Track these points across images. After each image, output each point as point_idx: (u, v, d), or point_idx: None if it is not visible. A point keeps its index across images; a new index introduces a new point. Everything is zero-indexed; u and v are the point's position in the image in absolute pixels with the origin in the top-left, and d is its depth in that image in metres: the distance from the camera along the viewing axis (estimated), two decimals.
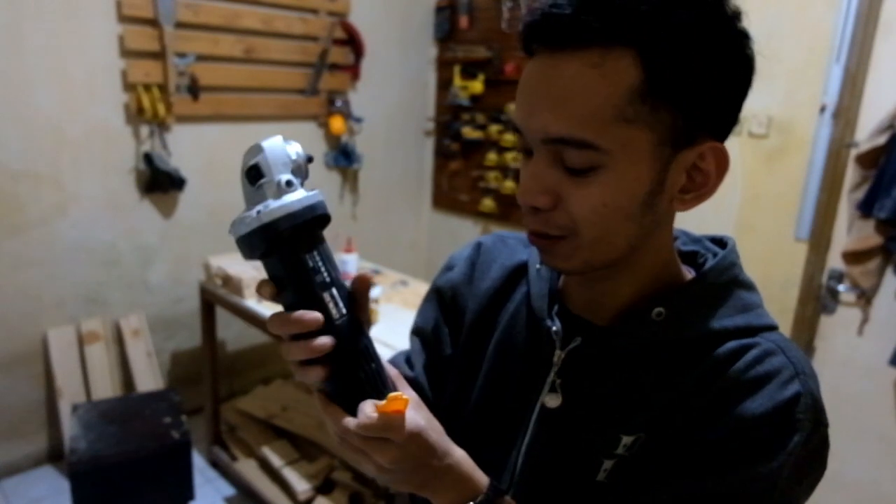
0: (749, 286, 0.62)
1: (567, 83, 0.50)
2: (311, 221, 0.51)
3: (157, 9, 2.42)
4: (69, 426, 2.11)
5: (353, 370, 0.55)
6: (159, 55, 2.49)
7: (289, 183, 0.50)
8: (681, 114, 0.51)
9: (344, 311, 0.54)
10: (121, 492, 2.01)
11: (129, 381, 2.61)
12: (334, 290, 0.54)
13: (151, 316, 2.74)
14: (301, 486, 2.25)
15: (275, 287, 0.53)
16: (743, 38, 0.52)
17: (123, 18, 2.40)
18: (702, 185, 0.55)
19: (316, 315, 0.51)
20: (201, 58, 2.60)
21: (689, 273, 0.64)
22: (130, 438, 2.04)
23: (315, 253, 0.52)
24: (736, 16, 0.52)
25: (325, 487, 2.31)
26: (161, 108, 2.48)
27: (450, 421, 0.72)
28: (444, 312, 0.77)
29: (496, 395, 0.68)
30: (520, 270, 0.73)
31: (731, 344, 0.57)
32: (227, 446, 2.56)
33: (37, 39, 2.25)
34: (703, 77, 0.50)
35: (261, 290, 0.53)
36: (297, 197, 0.50)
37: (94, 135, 2.44)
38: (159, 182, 2.57)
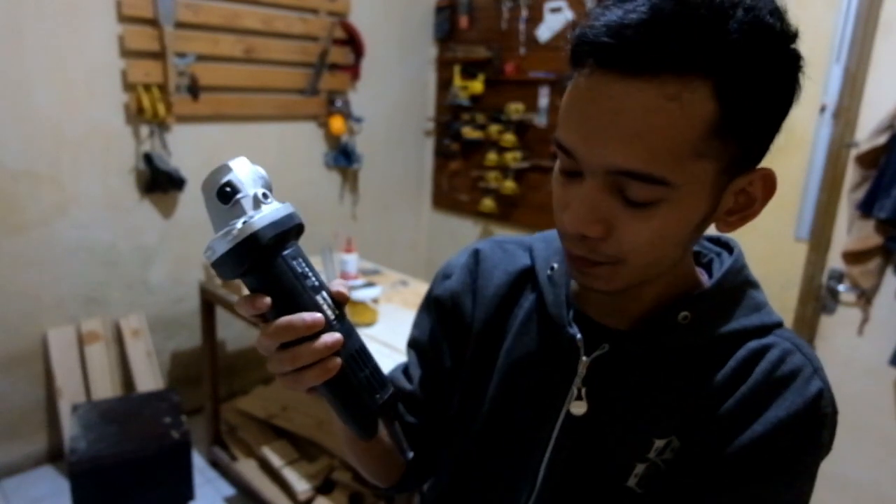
0: (757, 285, 0.63)
1: (642, 115, 0.46)
2: (294, 229, 0.52)
3: (157, 9, 2.42)
4: (69, 426, 2.11)
5: (354, 372, 0.55)
6: (159, 55, 2.49)
7: (265, 195, 0.51)
8: (747, 146, 0.51)
9: (336, 311, 0.54)
10: (121, 492, 2.01)
11: (129, 381, 2.61)
12: (324, 293, 0.54)
13: (151, 316, 2.74)
14: (301, 486, 2.25)
15: (268, 299, 0.51)
16: (798, 60, 0.50)
17: (123, 18, 2.40)
18: (746, 206, 0.55)
19: (318, 315, 0.51)
20: (201, 58, 2.60)
21: (701, 274, 0.64)
22: (130, 438, 2.04)
23: (300, 259, 0.53)
24: (795, 37, 0.49)
25: (325, 487, 2.31)
26: (161, 108, 2.48)
27: (458, 432, 0.71)
28: (443, 323, 0.75)
29: (510, 404, 0.67)
30: (524, 276, 0.71)
31: (752, 344, 0.58)
32: (227, 446, 2.56)
33: (37, 39, 2.25)
34: (771, 110, 0.50)
35: (254, 303, 0.50)
36: (277, 206, 0.51)
37: (94, 135, 2.44)
38: (159, 182, 2.57)
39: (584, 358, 0.62)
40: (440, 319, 0.75)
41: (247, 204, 0.50)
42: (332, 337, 0.52)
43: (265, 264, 0.51)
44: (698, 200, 0.51)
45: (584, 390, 0.62)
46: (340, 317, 0.55)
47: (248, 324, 2.25)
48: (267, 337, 0.51)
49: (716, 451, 0.56)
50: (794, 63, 0.49)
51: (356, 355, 0.55)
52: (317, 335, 0.51)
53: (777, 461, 0.55)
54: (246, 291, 0.53)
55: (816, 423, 0.55)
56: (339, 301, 0.55)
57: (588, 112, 0.49)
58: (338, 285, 0.55)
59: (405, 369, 0.78)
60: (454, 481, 0.72)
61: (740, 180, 0.53)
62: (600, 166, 0.50)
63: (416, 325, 0.78)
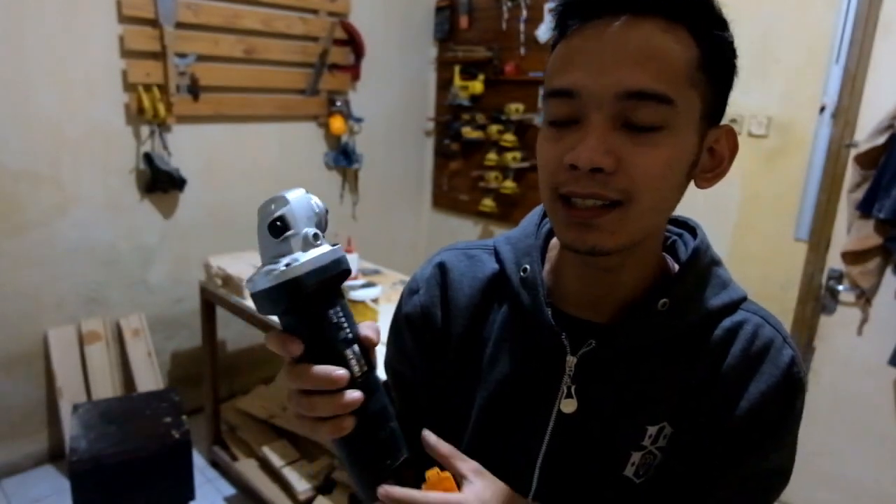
0: (721, 263, 0.66)
1: (645, 42, 0.52)
2: (337, 276, 0.51)
3: (158, 9, 2.43)
4: (69, 426, 2.11)
5: (368, 434, 0.54)
6: (160, 55, 2.49)
7: (315, 236, 0.50)
8: (716, 93, 0.56)
9: (365, 367, 0.53)
10: (121, 491, 2.01)
11: (130, 381, 2.61)
12: (356, 347, 0.53)
13: (151, 316, 2.74)
14: (301, 486, 2.26)
15: (300, 345, 0.51)
16: (732, 42, 0.57)
17: (124, 18, 2.40)
18: (716, 166, 0.60)
19: (344, 372, 0.51)
20: (201, 58, 2.60)
21: (669, 259, 0.66)
22: (130, 438, 2.04)
23: (338, 308, 0.52)
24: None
25: (325, 487, 2.31)
26: (161, 109, 2.48)
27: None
28: (417, 340, 0.73)
29: (499, 412, 0.66)
30: (493, 281, 0.70)
31: (726, 323, 0.61)
32: (227, 446, 2.56)
33: (37, 39, 2.25)
34: (728, 67, 0.57)
35: (286, 346, 0.51)
36: (325, 251, 0.50)
37: (94, 135, 2.44)
38: (159, 182, 2.57)
39: (570, 357, 0.62)
40: (413, 336, 0.73)
41: (295, 244, 0.49)
42: (352, 395, 0.51)
43: (303, 310, 0.50)
44: (690, 137, 0.55)
45: (573, 388, 0.62)
46: (368, 370, 0.54)
47: (249, 323, 2.26)
48: (290, 378, 0.52)
49: (707, 433, 0.60)
50: (730, 38, 0.57)
51: (375, 416, 0.54)
52: (339, 390, 0.51)
53: (764, 431, 0.59)
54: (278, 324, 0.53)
55: (793, 389, 0.60)
56: (367, 347, 0.54)
57: (591, 50, 0.53)
58: (366, 329, 0.54)
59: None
60: None
61: (713, 133, 0.58)
62: (611, 92, 0.52)
63: (390, 343, 0.77)
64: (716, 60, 0.55)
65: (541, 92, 3.27)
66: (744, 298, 0.63)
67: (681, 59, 0.53)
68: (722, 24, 0.55)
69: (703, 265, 0.63)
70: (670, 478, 0.61)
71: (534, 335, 0.65)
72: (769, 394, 0.59)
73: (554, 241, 0.69)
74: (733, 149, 0.60)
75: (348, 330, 0.52)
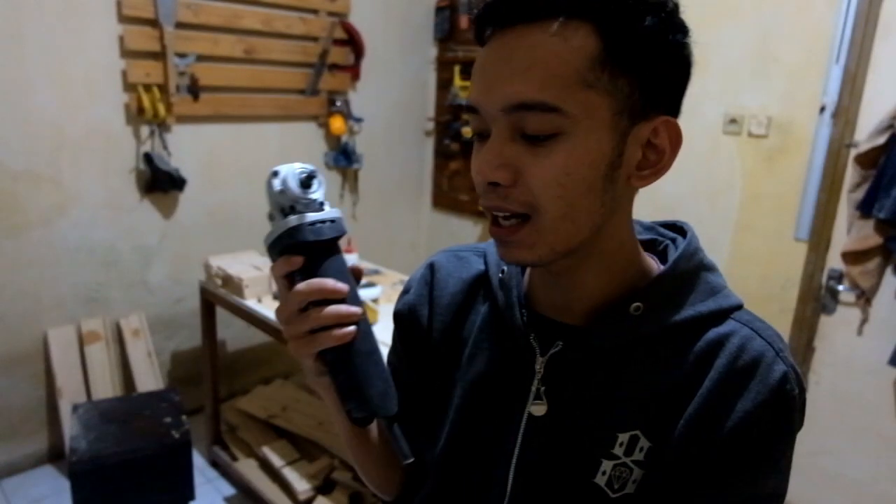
0: (713, 268, 0.63)
1: (528, 52, 0.51)
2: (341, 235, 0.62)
3: (158, 9, 2.42)
4: (69, 426, 2.11)
5: (365, 348, 0.60)
6: (159, 55, 2.49)
7: (321, 204, 0.61)
8: (637, 85, 0.53)
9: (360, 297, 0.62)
10: (121, 492, 2.01)
11: (130, 381, 2.61)
12: (351, 279, 0.62)
13: (151, 316, 2.74)
14: (301, 486, 2.26)
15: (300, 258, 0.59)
16: (684, 26, 0.55)
17: (123, 18, 2.40)
18: (657, 161, 0.56)
19: (344, 286, 0.58)
20: (201, 58, 2.60)
21: (653, 261, 0.64)
22: (130, 438, 2.04)
23: (342, 255, 0.63)
24: (677, 7, 0.55)
25: (325, 487, 2.31)
26: (161, 109, 2.48)
27: (433, 441, 0.72)
28: (405, 338, 0.76)
29: (474, 411, 0.67)
30: (478, 282, 0.71)
31: (710, 336, 0.58)
32: (227, 446, 2.56)
33: (37, 40, 2.25)
34: (653, 52, 0.53)
35: (290, 260, 0.58)
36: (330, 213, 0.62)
37: (94, 135, 2.44)
38: (159, 182, 2.57)
39: (540, 358, 0.62)
40: (402, 335, 0.76)
41: (320, 191, 0.61)
42: (354, 307, 0.58)
43: (328, 246, 0.60)
44: (599, 140, 0.52)
45: (542, 390, 0.62)
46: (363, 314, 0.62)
47: (249, 323, 2.25)
48: (296, 295, 0.57)
49: (689, 452, 0.56)
50: (675, 21, 0.54)
51: (369, 337, 0.61)
52: (341, 300, 0.58)
53: (752, 453, 0.55)
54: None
55: (785, 407, 0.55)
56: (356, 275, 0.62)
57: (486, 66, 0.55)
58: (352, 261, 0.61)
59: None
60: (434, 490, 0.72)
61: (643, 127, 0.54)
62: (496, 106, 0.53)
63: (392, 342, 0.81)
64: (629, 51, 0.52)
65: None
66: (737, 307, 0.60)
67: (568, 64, 0.51)
68: (633, 12, 0.52)
69: (686, 269, 0.60)
70: (650, 495, 0.58)
71: (508, 335, 0.65)
72: (757, 413, 0.54)
73: None
74: (675, 140, 0.56)
75: (346, 271, 0.62)
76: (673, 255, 0.62)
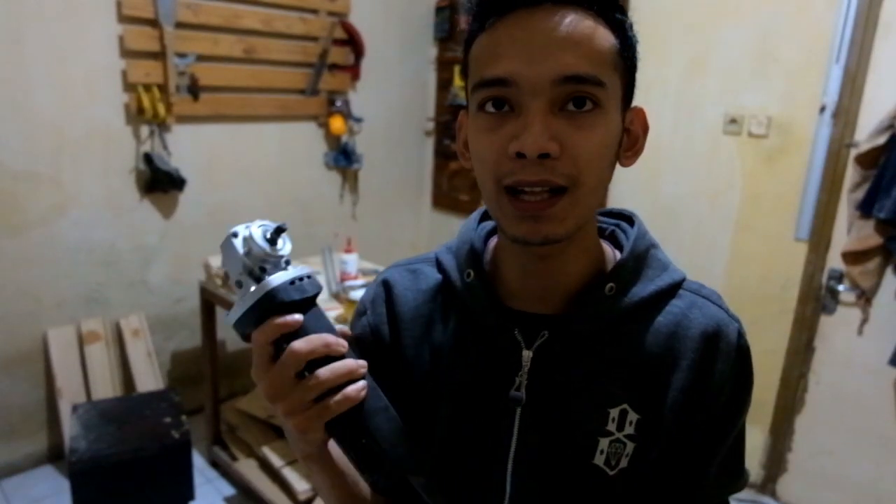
0: (658, 245, 0.68)
1: (574, 28, 0.54)
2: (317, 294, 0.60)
3: (157, 9, 2.42)
4: (69, 426, 2.11)
5: (376, 405, 0.57)
6: (159, 55, 2.49)
7: (287, 262, 0.58)
8: (629, 79, 0.59)
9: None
10: (121, 492, 2.01)
11: (129, 381, 2.61)
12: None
13: (151, 316, 2.74)
14: (301, 486, 2.25)
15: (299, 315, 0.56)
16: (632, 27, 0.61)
17: (123, 18, 2.40)
18: (633, 143, 0.63)
19: (343, 341, 0.57)
20: (201, 58, 2.60)
21: (607, 246, 0.68)
22: (130, 438, 2.04)
23: (320, 311, 0.60)
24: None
25: None
26: (161, 109, 2.48)
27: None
28: (370, 360, 0.71)
29: (465, 420, 0.66)
30: (438, 291, 0.70)
31: (674, 309, 0.64)
32: (227, 446, 2.56)
33: (37, 40, 2.25)
34: (635, 50, 0.59)
35: (286, 321, 0.55)
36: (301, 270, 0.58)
37: (94, 135, 2.44)
38: (159, 182, 2.57)
39: (526, 351, 0.62)
40: (367, 357, 0.71)
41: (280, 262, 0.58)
42: (359, 360, 0.56)
43: (312, 307, 0.57)
44: (616, 118, 0.57)
45: (531, 382, 0.62)
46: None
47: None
48: (293, 356, 0.54)
49: (684, 419, 0.62)
50: (631, 24, 0.60)
51: (377, 391, 0.58)
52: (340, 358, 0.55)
53: (736, 401, 0.63)
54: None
55: (747, 358, 0.64)
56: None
57: (521, 40, 0.54)
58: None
59: None
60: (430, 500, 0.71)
61: (628, 114, 0.61)
62: (547, 78, 0.53)
63: None
64: (627, 47, 0.58)
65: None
66: (683, 279, 0.66)
67: (605, 44, 0.55)
68: (624, 13, 0.58)
69: (642, 249, 0.65)
70: (650, 467, 0.62)
71: (487, 337, 0.65)
72: (732, 370, 0.62)
73: (491, 242, 0.70)
74: (645, 127, 0.63)
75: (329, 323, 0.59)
76: (624, 238, 0.67)
